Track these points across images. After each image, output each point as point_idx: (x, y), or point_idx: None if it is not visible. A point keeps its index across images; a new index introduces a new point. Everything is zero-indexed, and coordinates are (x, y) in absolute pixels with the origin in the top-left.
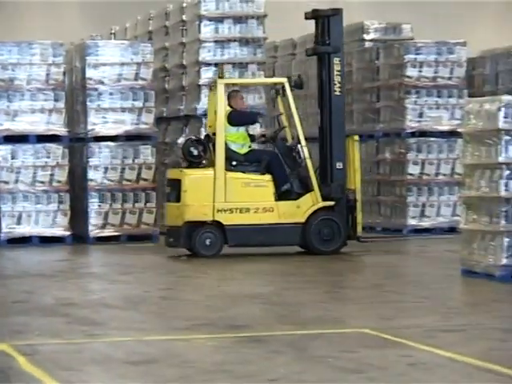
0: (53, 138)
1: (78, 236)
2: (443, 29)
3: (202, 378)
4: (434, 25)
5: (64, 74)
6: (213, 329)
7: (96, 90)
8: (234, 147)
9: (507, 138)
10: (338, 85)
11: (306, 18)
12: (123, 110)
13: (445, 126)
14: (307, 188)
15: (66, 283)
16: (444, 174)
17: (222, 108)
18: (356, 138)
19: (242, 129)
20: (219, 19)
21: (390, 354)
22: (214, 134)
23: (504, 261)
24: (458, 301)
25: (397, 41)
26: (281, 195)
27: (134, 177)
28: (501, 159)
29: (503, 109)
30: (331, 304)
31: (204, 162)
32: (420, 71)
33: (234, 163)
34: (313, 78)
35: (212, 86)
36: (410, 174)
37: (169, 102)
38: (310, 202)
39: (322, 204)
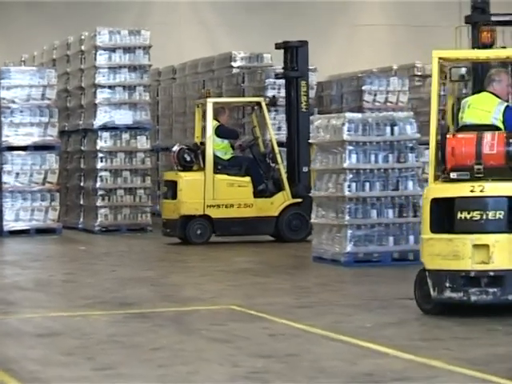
0: None
1: None
2: None
3: (98, 348)
4: None
5: None
6: (107, 306)
7: (9, 108)
8: (219, 154)
9: (350, 147)
10: (305, 103)
11: (277, 48)
12: (32, 124)
13: None
14: (279, 188)
15: None
16: None
17: (211, 123)
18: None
19: (225, 140)
20: (112, 49)
21: (254, 326)
22: (202, 143)
23: (348, 249)
24: (310, 282)
25: (259, 67)
26: (258, 193)
27: (41, 180)
28: (345, 165)
29: (347, 124)
30: (206, 285)
31: (194, 166)
32: (278, 92)
33: (220, 167)
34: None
35: (198, 104)
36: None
37: (70, 118)
38: (282, 199)
39: (291, 201)
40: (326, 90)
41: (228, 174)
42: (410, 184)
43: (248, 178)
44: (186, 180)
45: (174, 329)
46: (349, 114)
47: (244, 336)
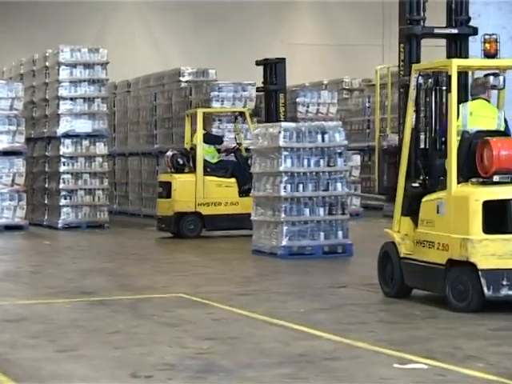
0: None
1: None
2: (239, 73)
3: (61, 331)
4: (232, 70)
5: None
6: (69, 295)
7: None
8: (207, 158)
9: (285, 153)
10: (282, 113)
11: (257, 64)
12: (1, 132)
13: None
14: None
15: None
16: None
17: (201, 130)
18: None
19: (212, 145)
20: (73, 65)
21: (200, 312)
22: (191, 148)
23: (283, 243)
24: (250, 272)
25: (204, 81)
26: (242, 193)
27: (10, 182)
28: (281, 169)
29: (282, 132)
30: (157, 276)
31: (186, 169)
32: (222, 104)
33: (209, 170)
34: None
35: (188, 114)
36: None
37: (35, 127)
38: None
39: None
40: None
41: (216, 176)
42: (339, 185)
43: (234, 179)
44: (180, 181)
45: (130, 314)
46: (284, 124)
47: (191, 321)
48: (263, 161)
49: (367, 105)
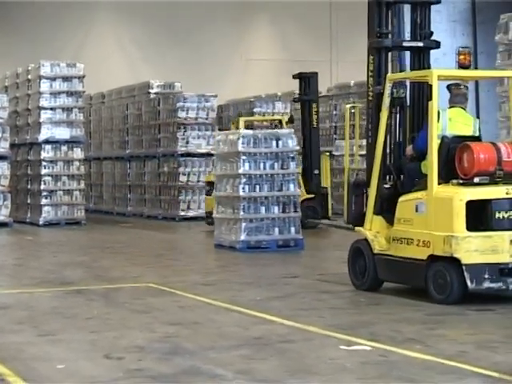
0: None
1: None
2: (202, 85)
3: (42, 318)
4: (196, 83)
5: None
6: (50, 285)
7: None
8: None
9: (244, 157)
10: (315, 121)
11: (294, 78)
12: None
13: (203, 150)
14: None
15: None
16: (203, 181)
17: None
18: (327, 154)
19: None
20: (53, 78)
21: (167, 300)
22: None
23: (242, 238)
24: (211, 265)
25: (171, 93)
26: None
27: None
28: (240, 171)
29: (241, 138)
30: (129, 267)
31: None
32: (187, 113)
33: None
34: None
35: (233, 121)
36: (181, 181)
37: (19, 134)
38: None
39: (306, 196)
40: (225, 111)
41: None
42: (291, 186)
43: None
44: None
45: (104, 302)
46: (243, 131)
47: (159, 308)
48: (224, 164)
49: None
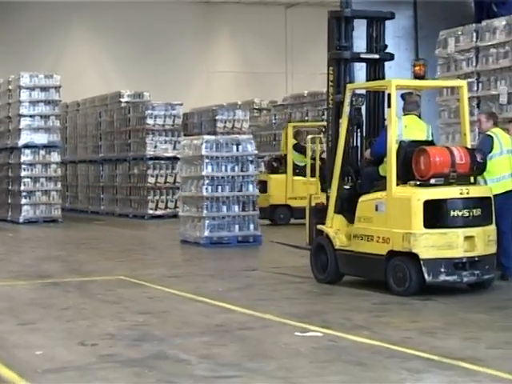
0: None
1: None
2: (169, 95)
3: (22, 308)
4: (164, 92)
5: None
6: (29, 278)
7: None
8: (297, 162)
9: (207, 160)
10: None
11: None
12: None
13: (170, 154)
14: None
15: None
16: (170, 182)
17: (291, 140)
18: None
19: (299, 152)
20: (32, 88)
21: (137, 291)
22: (285, 154)
23: (205, 234)
24: (178, 259)
25: (140, 102)
26: (324, 189)
27: None
28: (203, 173)
29: (204, 143)
30: (102, 262)
31: (280, 170)
32: (155, 121)
33: (297, 171)
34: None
35: (284, 128)
36: (149, 183)
37: (0, 139)
38: None
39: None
40: (189, 118)
41: (302, 176)
42: (250, 187)
43: (316, 179)
44: (274, 180)
45: (78, 294)
46: (206, 136)
47: (129, 298)
48: (188, 167)
49: (273, 121)
